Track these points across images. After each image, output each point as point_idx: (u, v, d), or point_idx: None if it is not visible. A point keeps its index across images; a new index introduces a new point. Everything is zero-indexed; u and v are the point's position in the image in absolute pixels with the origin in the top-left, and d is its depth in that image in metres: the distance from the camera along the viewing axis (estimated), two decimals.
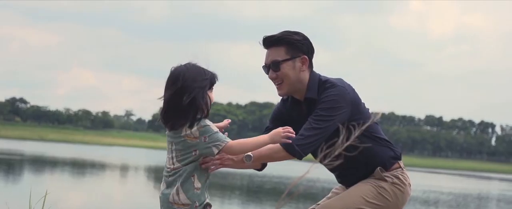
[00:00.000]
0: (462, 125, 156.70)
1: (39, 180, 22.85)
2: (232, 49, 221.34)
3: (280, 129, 3.19)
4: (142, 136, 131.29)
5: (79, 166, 33.70)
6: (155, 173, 33.09)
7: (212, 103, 3.39)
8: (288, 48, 3.52)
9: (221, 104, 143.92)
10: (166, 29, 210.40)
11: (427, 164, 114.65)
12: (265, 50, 3.64)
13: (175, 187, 3.13)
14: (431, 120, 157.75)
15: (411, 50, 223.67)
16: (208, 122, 3.30)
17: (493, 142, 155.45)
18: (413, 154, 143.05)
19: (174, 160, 3.17)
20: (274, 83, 3.60)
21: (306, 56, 3.54)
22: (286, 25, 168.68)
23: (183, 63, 3.31)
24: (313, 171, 2.88)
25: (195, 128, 3.19)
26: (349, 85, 3.58)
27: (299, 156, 3.40)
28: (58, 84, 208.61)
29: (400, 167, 3.68)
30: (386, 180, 3.59)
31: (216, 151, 3.19)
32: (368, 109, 3.62)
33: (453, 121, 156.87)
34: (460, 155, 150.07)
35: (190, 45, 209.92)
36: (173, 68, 3.27)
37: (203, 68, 3.32)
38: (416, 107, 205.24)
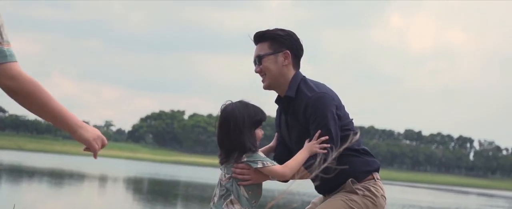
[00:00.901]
0: (441, 139, 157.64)
1: (17, 190, 22.65)
2: (214, 61, 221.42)
3: (314, 142, 3.51)
4: (122, 146, 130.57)
5: (57, 177, 33.45)
6: (134, 184, 32.92)
7: (259, 139, 3.52)
8: (271, 43, 3.65)
9: (202, 116, 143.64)
10: (147, 39, 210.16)
11: (406, 178, 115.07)
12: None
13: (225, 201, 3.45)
14: (410, 134, 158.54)
15: (391, 64, 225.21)
16: (257, 154, 3.47)
17: (471, 157, 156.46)
18: (392, 168, 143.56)
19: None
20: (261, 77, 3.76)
21: (288, 51, 3.65)
22: None
23: (233, 101, 3.54)
24: (294, 184, 2.90)
25: (245, 159, 3.43)
26: (330, 89, 3.67)
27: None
28: None
29: (374, 178, 3.68)
30: (357, 193, 3.60)
31: (259, 165, 3.41)
32: (348, 114, 3.71)
33: (432, 135, 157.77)
34: (438, 170, 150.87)
35: (171, 56, 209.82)
36: (223, 107, 3.55)
37: (252, 107, 3.50)
38: (395, 121, 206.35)
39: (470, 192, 74.10)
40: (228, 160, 3.48)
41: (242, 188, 3.41)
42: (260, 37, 3.69)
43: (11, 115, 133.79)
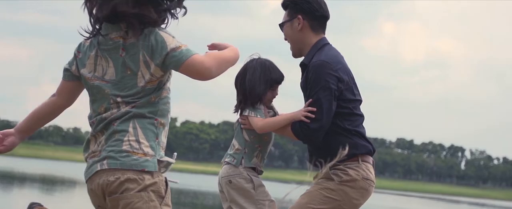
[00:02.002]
0: (433, 148, 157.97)
1: (8, 196, 22.58)
2: None
3: (302, 109, 3.58)
4: None
5: (49, 183, 33.36)
6: None
7: (271, 99, 3.95)
8: (288, 11, 3.76)
9: (194, 123, 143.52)
10: None
11: (397, 187, 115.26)
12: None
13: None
14: (402, 143, 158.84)
15: (383, 73, 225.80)
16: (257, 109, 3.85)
17: (462, 166, 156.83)
18: (384, 177, 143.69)
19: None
20: None
21: (300, 16, 3.67)
22: (261, 44, 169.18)
23: (256, 58, 3.88)
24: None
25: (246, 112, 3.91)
26: (338, 60, 3.62)
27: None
28: (28, 98, 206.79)
29: (358, 160, 3.56)
30: (333, 179, 3.52)
31: (246, 113, 3.94)
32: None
33: (423, 144, 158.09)
34: (430, 178, 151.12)
35: None
36: (249, 59, 3.91)
37: (271, 66, 3.86)
38: (387, 130, 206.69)
39: (462, 201, 74.25)
40: (237, 110, 3.98)
41: (244, 131, 4.00)
42: (282, 7, 3.81)
43: (2, 121, 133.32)
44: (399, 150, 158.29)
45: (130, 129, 2.64)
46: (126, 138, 2.62)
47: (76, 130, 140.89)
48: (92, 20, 2.67)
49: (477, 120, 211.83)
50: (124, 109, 2.63)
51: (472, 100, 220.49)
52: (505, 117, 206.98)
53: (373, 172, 3.65)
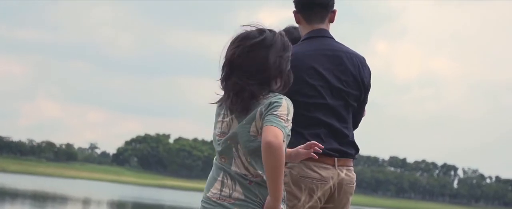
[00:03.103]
0: (425, 167, 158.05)
1: None
2: (200, 85, 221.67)
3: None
4: (106, 169, 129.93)
5: (40, 199, 33.26)
6: (118, 208, 32.75)
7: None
8: None
9: (187, 140, 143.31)
10: (134, 62, 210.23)
11: (390, 205, 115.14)
12: None
13: None
14: (395, 161, 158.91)
15: (377, 91, 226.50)
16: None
17: (455, 184, 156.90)
18: (377, 195, 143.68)
19: None
20: None
21: (295, 10, 3.55)
22: None
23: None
24: None
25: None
26: (304, 53, 3.40)
27: None
28: (21, 114, 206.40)
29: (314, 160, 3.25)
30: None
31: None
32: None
33: (416, 162, 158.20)
34: (423, 197, 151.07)
35: (157, 80, 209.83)
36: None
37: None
38: (380, 148, 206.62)
39: None
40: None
41: None
42: None
43: None
44: (392, 169, 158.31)
45: None
46: None
47: (68, 146, 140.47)
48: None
49: (470, 139, 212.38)
50: None
51: (464, 119, 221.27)
52: (498, 136, 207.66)
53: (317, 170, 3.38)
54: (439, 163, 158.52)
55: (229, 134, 2.78)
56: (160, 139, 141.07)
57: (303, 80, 3.34)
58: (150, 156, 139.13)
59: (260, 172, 2.74)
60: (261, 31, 2.83)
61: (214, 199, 2.77)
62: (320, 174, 3.35)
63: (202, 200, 2.83)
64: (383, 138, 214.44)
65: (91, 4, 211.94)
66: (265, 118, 2.67)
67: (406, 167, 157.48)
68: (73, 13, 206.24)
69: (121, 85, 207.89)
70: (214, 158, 2.90)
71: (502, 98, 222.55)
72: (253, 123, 2.72)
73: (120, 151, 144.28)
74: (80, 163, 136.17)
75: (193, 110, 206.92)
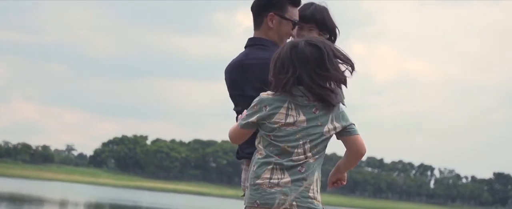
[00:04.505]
0: (402, 167, 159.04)
1: None
2: (177, 86, 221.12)
3: None
4: (83, 171, 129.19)
5: (17, 202, 33.03)
6: None
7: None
8: None
9: (165, 141, 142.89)
10: (112, 63, 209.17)
11: (368, 205, 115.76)
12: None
13: None
14: (372, 161, 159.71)
15: (354, 93, 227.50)
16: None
17: (431, 184, 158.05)
18: (354, 195, 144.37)
19: None
20: None
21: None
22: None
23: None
24: None
25: None
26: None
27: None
28: None
29: (246, 164, 3.40)
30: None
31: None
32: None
33: (393, 163, 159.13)
34: (400, 197, 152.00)
35: (135, 81, 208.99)
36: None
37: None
38: None
39: None
40: None
41: None
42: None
43: None
44: (369, 169, 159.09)
45: None
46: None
47: (45, 148, 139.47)
48: None
49: (446, 140, 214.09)
50: None
51: (441, 120, 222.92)
52: (473, 137, 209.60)
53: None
54: (416, 163, 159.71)
55: None
56: (137, 141, 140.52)
57: (230, 87, 3.53)
58: (128, 157, 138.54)
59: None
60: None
61: None
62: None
63: None
64: None
65: (68, 5, 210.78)
66: None
67: (383, 167, 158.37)
68: (50, 14, 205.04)
69: (98, 86, 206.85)
70: None
71: (477, 99, 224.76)
72: None
73: (97, 153, 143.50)
74: (57, 165, 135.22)
75: (171, 112, 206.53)
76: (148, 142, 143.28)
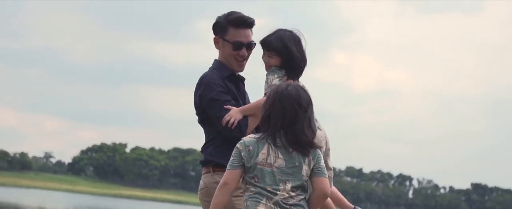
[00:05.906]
0: (381, 177, 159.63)
1: None
2: (157, 94, 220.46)
3: None
4: (61, 179, 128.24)
5: None
6: None
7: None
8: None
9: (144, 149, 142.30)
10: (91, 70, 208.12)
11: None
12: None
13: None
14: (351, 171, 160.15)
15: (334, 102, 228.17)
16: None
17: (410, 194, 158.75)
18: (334, 205, 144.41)
19: None
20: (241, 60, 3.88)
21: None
22: None
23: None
24: None
25: None
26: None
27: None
28: None
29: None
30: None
31: None
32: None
33: (372, 173, 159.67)
34: (378, 207, 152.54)
35: (114, 88, 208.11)
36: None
37: None
38: (337, 158, 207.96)
39: None
40: None
41: None
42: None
43: None
44: (349, 179, 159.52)
45: None
46: None
47: (23, 155, 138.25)
48: None
49: (425, 150, 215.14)
50: None
51: (420, 130, 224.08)
52: (452, 147, 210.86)
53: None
54: (395, 173, 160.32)
55: None
56: (116, 148, 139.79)
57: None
58: (106, 165, 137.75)
59: None
60: None
61: None
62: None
63: None
64: (340, 149, 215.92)
65: (49, 10, 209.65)
66: None
67: (362, 177, 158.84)
68: (30, 19, 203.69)
69: (77, 93, 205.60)
70: None
71: (457, 109, 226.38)
72: None
73: (76, 160, 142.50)
74: (35, 172, 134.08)
75: (150, 119, 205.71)
76: (127, 150, 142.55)
